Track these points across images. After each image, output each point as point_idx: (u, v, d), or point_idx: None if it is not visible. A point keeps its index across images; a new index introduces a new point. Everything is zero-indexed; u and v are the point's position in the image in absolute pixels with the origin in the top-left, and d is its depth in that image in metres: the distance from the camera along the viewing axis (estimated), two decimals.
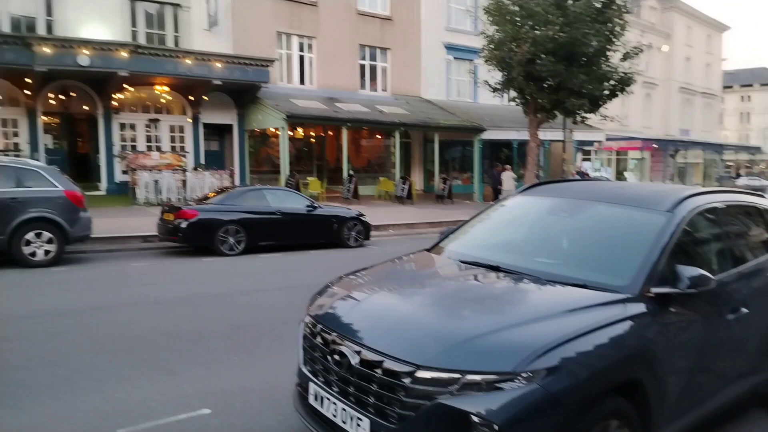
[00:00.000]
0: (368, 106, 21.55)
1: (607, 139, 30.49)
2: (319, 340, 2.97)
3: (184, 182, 16.76)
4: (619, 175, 35.48)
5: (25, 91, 16.26)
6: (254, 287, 7.94)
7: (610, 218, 3.60)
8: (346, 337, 2.78)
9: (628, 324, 2.70)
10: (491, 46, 17.62)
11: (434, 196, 22.02)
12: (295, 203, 11.56)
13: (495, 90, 18.72)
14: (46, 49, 14.81)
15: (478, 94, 25.47)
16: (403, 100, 23.52)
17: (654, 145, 36.14)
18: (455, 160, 26.59)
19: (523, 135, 20.85)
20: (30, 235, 8.54)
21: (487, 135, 23.13)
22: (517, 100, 18.77)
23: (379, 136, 24.24)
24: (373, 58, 23.70)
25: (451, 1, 25.61)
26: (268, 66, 18.68)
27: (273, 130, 19.86)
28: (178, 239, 10.20)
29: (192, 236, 10.17)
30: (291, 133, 19.61)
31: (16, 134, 16.60)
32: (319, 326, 3.01)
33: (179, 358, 4.83)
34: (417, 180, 23.97)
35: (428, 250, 4.07)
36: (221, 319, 6.10)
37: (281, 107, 18.58)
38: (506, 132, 23.69)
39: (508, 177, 20.48)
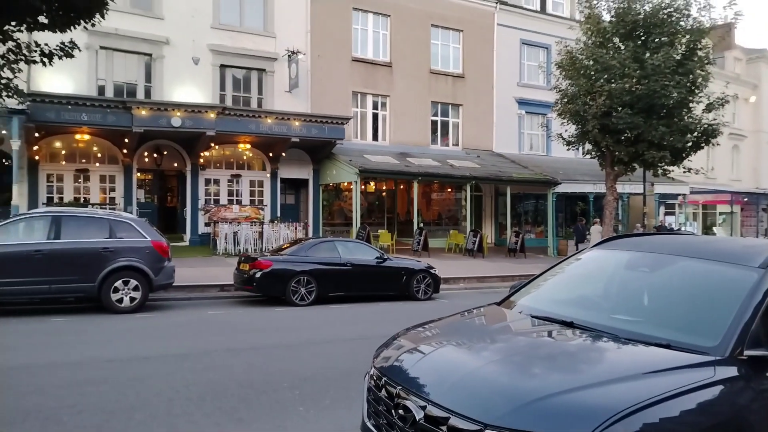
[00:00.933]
0: (439, 160, 21.77)
1: (692, 193, 28.92)
2: (383, 393, 2.91)
3: (261, 234, 17.43)
4: (707, 230, 33.34)
5: (123, 150, 17.77)
6: (323, 338, 7.98)
7: (695, 274, 3.36)
8: (412, 391, 2.71)
9: (718, 389, 2.46)
10: (565, 99, 17.48)
11: (506, 249, 21.57)
12: (365, 255, 11.68)
13: (569, 143, 18.42)
14: (144, 112, 16.21)
15: (551, 147, 25.17)
16: (475, 154, 23.60)
17: (744, 199, 33.88)
18: (528, 213, 26.13)
19: (600, 188, 20.21)
20: (118, 283, 9.11)
21: (562, 188, 22.61)
22: (592, 152, 18.33)
23: (450, 190, 24.32)
24: (445, 114, 24.12)
25: (523, 57, 25.87)
26: (343, 124, 19.44)
27: (346, 184, 20.43)
28: (252, 289, 10.53)
29: (265, 286, 10.46)
30: (363, 187, 20.09)
31: (113, 189, 18.04)
32: (384, 379, 2.96)
33: (249, 407, 4.88)
34: (488, 233, 23.66)
35: (498, 303, 3.95)
36: (290, 369, 6.14)
37: (354, 162, 19.14)
38: (581, 185, 23.08)
39: (596, 231, 19.15)
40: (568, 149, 19.31)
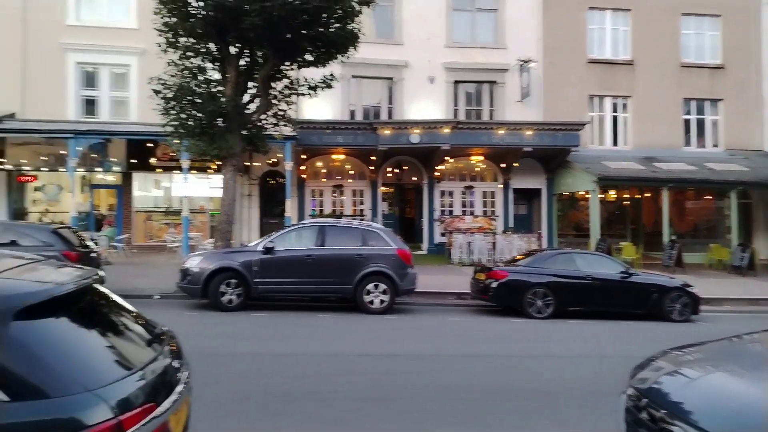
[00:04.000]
0: (694, 164, 19.25)
1: None
2: (644, 415, 2.74)
3: (494, 244, 17.60)
4: None
5: (370, 167, 19.73)
6: (562, 352, 7.72)
7: None
8: (678, 416, 2.51)
9: None
10: None
11: None
12: (607, 269, 10.93)
13: None
14: (387, 131, 17.79)
15: None
16: (740, 156, 20.27)
17: None
18: None
19: None
20: (370, 286, 10.13)
21: None
22: None
23: (709, 197, 21.24)
24: (700, 111, 21.25)
25: None
26: (578, 130, 18.56)
27: (582, 193, 19.39)
28: (488, 298, 10.69)
29: (501, 296, 10.54)
30: (602, 196, 18.81)
31: (361, 202, 20.15)
32: (645, 400, 2.79)
33: (491, 412, 5.00)
34: (762, 248, 19.99)
35: None
36: (528, 380, 6.10)
37: (592, 170, 18.08)
38: None
39: None
40: None
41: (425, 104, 19.89)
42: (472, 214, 20.20)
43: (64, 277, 2.53)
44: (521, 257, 11.84)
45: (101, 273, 2.92)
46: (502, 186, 20.36)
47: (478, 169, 20.53)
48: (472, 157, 20.08)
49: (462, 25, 20.44)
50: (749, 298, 13.01)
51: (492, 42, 20.46)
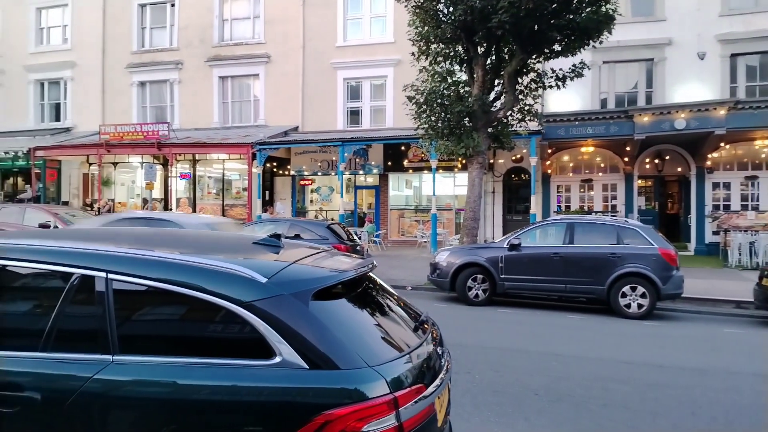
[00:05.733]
0: None
1: None
2: None
3: None
4: None
5: (624, 159, 18.09)
6: None
7: None
8: None
9: None
10: None
11: None
12: None
13: None
14: (645, 119, 16.06)
15: None
16: None
17: None
18: None
19: None
20: (626, 288, 9.29)
21: None
22: None
23: None
24: None
25: None
26: None
27: None
28: None
29: None
30: None
31: (614, 197, 18.61)
32: None
33: None
34: None
35: None
36: None
37: None
38: None
39: None
40: None
41: (693, 85, 17.43)
42: (756, 209, 16.96)
43: (346, 265, 2.87)
44: None
45: (374, 263, 3.25)
46: None
47: (764, 156, 17.18)
48: (757, 142, 16.88)
49: None
50: None
51: None
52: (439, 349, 2.83)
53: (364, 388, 2.15)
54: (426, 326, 2.95)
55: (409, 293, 11.07)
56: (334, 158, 20.02)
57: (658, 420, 4.58)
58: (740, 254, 15.03)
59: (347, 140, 18.51)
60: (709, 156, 17.22)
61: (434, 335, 2.96)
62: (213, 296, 2.28)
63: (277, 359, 2.17)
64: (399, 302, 3.05)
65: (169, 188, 21.11)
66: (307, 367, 2.17)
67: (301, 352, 2.17)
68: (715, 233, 16.83)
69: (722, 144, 16.76)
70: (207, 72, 22.32)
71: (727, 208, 17.29)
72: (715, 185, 17.59)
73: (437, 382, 2.57)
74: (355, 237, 12.80)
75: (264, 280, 2.34)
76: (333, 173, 20.55)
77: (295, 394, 2.11)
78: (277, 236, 3.07)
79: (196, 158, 22.01)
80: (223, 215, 20.32)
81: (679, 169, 18.17)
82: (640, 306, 9.20)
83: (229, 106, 22.40)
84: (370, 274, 3.07)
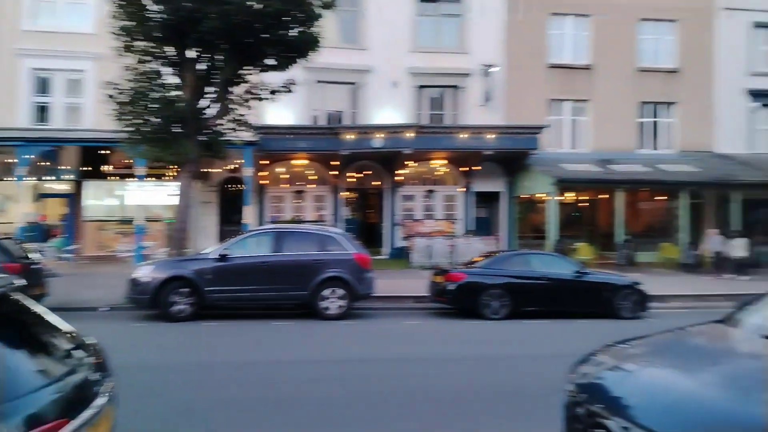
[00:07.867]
0: (648, 166, 19.80)
1: None
2: (581, 410, 2.74)
3: (453, 247, 17.67)
4: None
5: (332, 172, 19.60)
6: (516, 353, 7.78)
7: None
8: (614, 411, 2.51)
9: None
10: None
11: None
12: (561, 268, 11.10)
13: None
14: (349, 136, 17.71)
15: None
16: (692, 157, 20.92)
17: None
18: (762, 223, 22.13)
19: None
20: (326, 292, 9.99)
21: None
22: None
23: (662, 198, 21.84)
24: (654, 114, 21.90)
25: (753, 41, 22.22)
26: (537, 133, 18.86)
27: (541, 195, 19.69)
28: (446, 301, 10.71)
29: (458, 298, 10.55)
30: (560, 198, 19.13)
31: (324, 207, 19.99)
32: (584, 396, 2.78)
33: (440, 418, 4.97)
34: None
35: (719, 321, 3.45)
36: (482, 382, 6.10)
37: (550, 172, 18.39)
38: None
39: None
40: None
41: (389, 109, 19.88)
42: (433, 218, 20.25)
43: None
44: (479, 259, 11.90)
45: (18, 282, 2.75)
46: (463, 189, 20.50)
47: (440, 173, 20.65)
48: (434, 161, 20.18)
49: (426, 30, 20.54)
50: (697, 294, 13.41)
51: (456, 47, 20.60)
52: (97, 375, 2.56)
53: None
54: (80, 351, 2.63)
55: (103, 315, 9.89)
56: (11, 160, 16.74)
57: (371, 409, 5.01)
58: (421, 256, 17.69)
59: (32, 140, 15.75)
60: (400, 172, 19.88)
61: (95, 360, 2.67)
62: None
63: None
64: (52, 327, 2.67)
65: None
66: None
67: None
68: (404, 239, 19.49)
69: (409, 162, 19.51)
70: None
71: (413, 217, 20.19)
72: (405, 197, 20.40)
73: (90, 411, 2.33)
74: (36, 254, 10.88)
75: None
76: (11, 179, 17.16)
77: None
78: None
79: None
80: None
81: (378, 183, 20.52)
82: (339, 307, 9.99)
83: None
84: (13, 295, 2.62)
